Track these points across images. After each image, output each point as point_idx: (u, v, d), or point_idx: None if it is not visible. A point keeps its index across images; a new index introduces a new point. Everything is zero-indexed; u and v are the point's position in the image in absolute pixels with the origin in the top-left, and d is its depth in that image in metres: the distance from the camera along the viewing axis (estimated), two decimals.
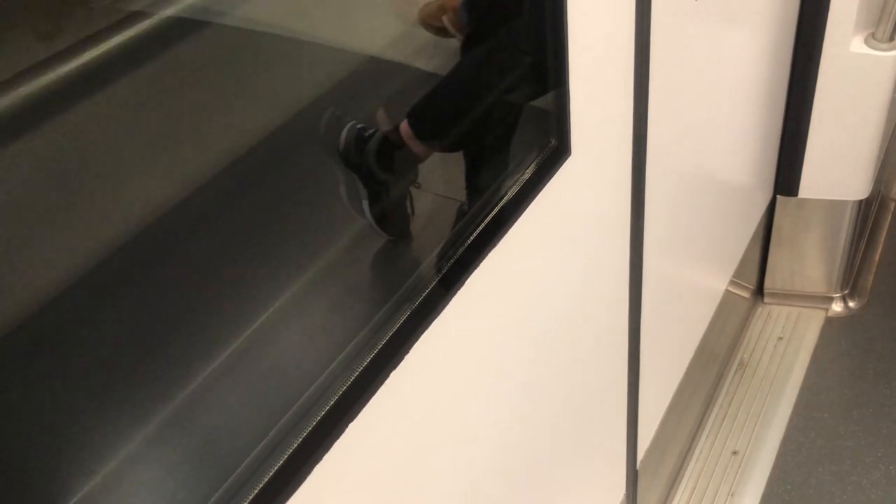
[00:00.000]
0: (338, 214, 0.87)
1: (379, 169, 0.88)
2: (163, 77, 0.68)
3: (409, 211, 0.90)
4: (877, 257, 2.32)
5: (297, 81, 0.83)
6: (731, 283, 1.96)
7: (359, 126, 0.87)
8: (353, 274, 0.84)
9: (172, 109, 0.70)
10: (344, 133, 0.86)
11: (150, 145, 0.68)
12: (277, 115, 0.79)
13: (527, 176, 0.86)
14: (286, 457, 0.64)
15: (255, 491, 0.62)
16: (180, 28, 0.69)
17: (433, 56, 0.96)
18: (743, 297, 2.15)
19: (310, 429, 0.66)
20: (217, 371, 0.67)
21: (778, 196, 2.08)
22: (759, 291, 2.25)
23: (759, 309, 2.24)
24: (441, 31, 0.93)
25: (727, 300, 1.96)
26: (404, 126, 0.89)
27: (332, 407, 0.69)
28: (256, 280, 0.74)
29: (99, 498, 0.59)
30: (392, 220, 0.89)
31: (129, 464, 0.61)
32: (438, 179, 0.95)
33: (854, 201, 2.04)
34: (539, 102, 0.95)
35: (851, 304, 2.22)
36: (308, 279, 0.77)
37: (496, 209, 0.83)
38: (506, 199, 0.84)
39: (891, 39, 1.76)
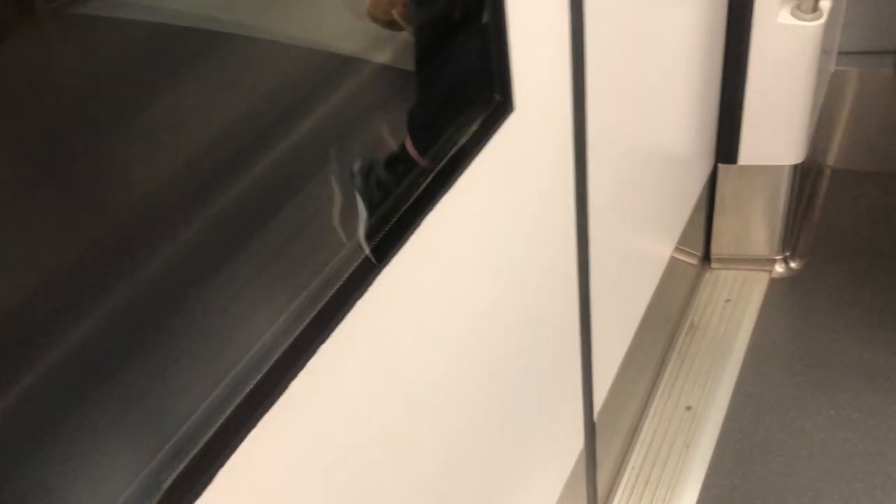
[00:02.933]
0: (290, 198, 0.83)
1: (392, 187, 0.86)
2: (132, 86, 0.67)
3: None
4: (815, 221, 2.43)
5: (248, 78, 0.80)
6: (679, 250, 2.05)
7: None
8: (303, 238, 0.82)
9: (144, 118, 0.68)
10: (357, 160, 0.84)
11: (140, 146, 0.68)
12: (240, 119, 0.77)
13: (473, 128, 0.91)
14: (228, 413, 0.66)
15: (197, 448, 0.64)
16: (141, 33, 0.70)
17: (385, 49, 0.95)
18: (691, 264, 2.25)
19: (251, 386, 0.67)
20: (164, 331, 0.67)
21: (720, 164, 2.19)
22: (707, 257, 2.36)
23: (707, 274, 2.34)
24: (391, 25, 0.93)
25: (676, 267, 2.05)
26: (409, 143, 0.89)
27: (279, 360, 0.70)
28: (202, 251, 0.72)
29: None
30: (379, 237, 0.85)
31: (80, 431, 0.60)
32: None
33: (791, 166, 2.15)
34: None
35: (793, 265, 2.33)
36: (251, 249, 0.75)
37: (446, 159, 0.89)
38: (454, 150, 0.90)
39: (814, 10, 1.87)
